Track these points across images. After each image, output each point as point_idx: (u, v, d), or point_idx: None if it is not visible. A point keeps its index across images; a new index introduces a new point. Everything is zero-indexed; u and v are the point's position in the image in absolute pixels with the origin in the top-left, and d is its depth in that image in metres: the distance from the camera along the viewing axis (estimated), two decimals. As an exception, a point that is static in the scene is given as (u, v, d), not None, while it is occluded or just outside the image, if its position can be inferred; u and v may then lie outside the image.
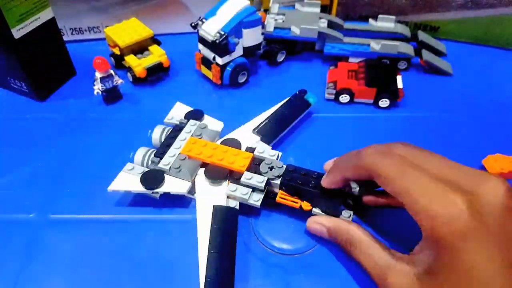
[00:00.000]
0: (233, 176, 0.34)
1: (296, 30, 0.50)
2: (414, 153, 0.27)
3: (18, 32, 0.42)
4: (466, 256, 0.22)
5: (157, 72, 0.49)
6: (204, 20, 0.46)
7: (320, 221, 0.31)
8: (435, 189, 0.24)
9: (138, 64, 0.47)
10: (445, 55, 0.53)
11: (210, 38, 0.44)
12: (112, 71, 0.44)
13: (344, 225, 0.30)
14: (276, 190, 0.34)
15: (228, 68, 0.46)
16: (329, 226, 0.31)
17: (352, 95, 0.46)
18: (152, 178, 0.34)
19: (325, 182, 0.32)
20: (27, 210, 0.35)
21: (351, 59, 0.51)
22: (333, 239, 0.31)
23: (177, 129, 0.38)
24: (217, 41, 0.43)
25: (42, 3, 0.44)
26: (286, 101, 0.43)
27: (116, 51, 0.50)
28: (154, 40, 0.51)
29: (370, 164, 0.27)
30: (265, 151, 0.36)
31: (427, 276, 0.24)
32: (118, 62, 0.51)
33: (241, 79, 0.48)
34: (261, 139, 0.38)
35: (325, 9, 0.58)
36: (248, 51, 0.47)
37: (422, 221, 0.24)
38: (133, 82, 0.49)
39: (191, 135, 0.38)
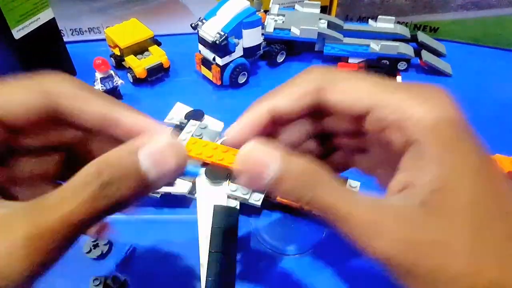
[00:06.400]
0: (234, 176, 0.34)
1: (296, 31, 0.50)
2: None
3: (18, 32, 0.42)
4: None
5: (157, 73, 0.49)
6: (204, 20, 0.46)
7: (272, 146, 0.17)
8: (407, 86, 0.19)
9: (139, 64, 0.47)
10: (445, 55, 0.53)
11: (210, 38, 0.44)
12: (112, 72, 0.45)
13: (302, 157, 0.17)
14: (277, 190, 0.34)
15: (228, 69, 0.46)
16: (284, 153, 0.17)
17: (352, 95, 0.46)
18: (153, 178, 0.34)
19: (233, 129, 0.21)
20: (27, 210, 0.35)
21: (351, 60, 0.51)
22: (284, 179, 0.17)
23: (177, 129, 0.38)
24: (217, 42, 0.43)
25: (42, 3, 0.44)
26: (286, 102, 0.43)
27: (116, 52, 0.50)
28: (154, 40, 0.51)
29: (318, 73, 0.20)
30: (266, 151, 0.36)
31: (435, 198, 0.16)
32: (118, 63, 0.51)
33: (241, 80, 0.49)
34: (261, 139, 0.39)
35: (325, 10, 0.58)
36: (248, 52, 0.48)
37: (412, 119, 0.17)
38: (133, 82, 0.49)
39: (192, 135, 0.38)
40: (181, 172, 0.17)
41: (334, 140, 0.22)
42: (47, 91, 0.18)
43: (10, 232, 0.15)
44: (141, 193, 0.16)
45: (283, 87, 0.21)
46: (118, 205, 0.16)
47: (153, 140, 0.16)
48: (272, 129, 0.21)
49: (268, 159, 0.17)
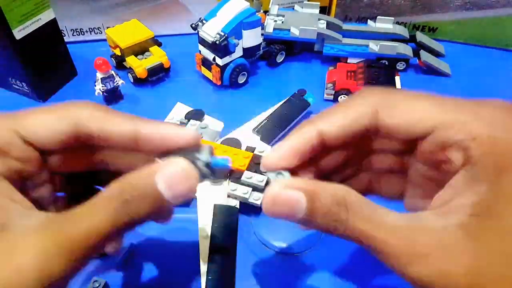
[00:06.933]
0: (234, 176, 0.35)
1: (295, 31, 0.50)
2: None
3: (19, 33, 0.42)
4: None
5: (157, 73, 0.49)
6: (204, 21, 0.46)
7: (295, 185, 0.18)
8: (469, 102, 0.19)
9: (139, 65, 0.48)
10: (443, 56, 0.54)
11: (210, 39, 0.44)
12: (113, 72, 0.45)
13: (330, 186, 0.18)
14: (276, 189, 0.35)
15: (228, 69, 0.47)
16: (312, 190, 0.18)
17: (351, 95, 0.46)
18: (153, 177, 0.34)
19: (276, 153, 0.20)
20: (29, 209, 0.36)
21: (350, 60, 0.51)
22: (317, 221, 0.18)
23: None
24: (217, 42, 0.43)
25: (43, 4, 0.44)
26: (286, 101, 0.43)
27: (117, 52, 0.50)
28: (155, 41, 0.51)
29: (373, 95, 0.20)
30: (265, 150, 0.36)
31: (477, 220, 0.16)
32: (119, 63, 0.51)
33: (241, 80, 0.49)
34: (261, 139, 0.39)
35: (324, 10, 0.58)
36: (248, 52, 0.48)
37: (476, 140, 0.17)
38: (134, 82, 0.49)
39: (192, 135, 0.38)
40: (193, 192, 0.19)
41: (368, 160, 0.23)
42: (75, 117, 0.20)
43: (36, 241, 0.16)
44: (159, 209, 0.18)
45: (338, 109, 0.20)
46: (139, 220, 0.18)
47: (168, 166, 0.18)
48: (316, 152, 0.20)
49: (295, 199, 0.18)
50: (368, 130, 0.20)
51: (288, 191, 0.18)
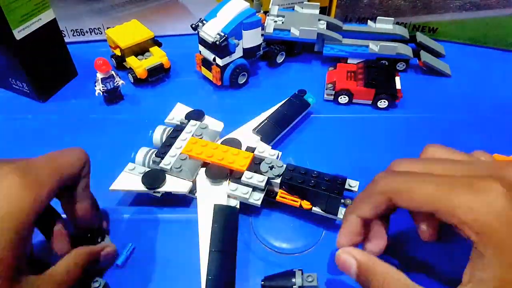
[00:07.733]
0: (234, 176, 0.35)
1: (295, 32, 0.50)
2: (416, 163, 0.27)
3: (19, 33, 0.42)
4: None
5: (158, 73, 0.49)
6: (204, 21, 0.46)
7: (350, 252, 0.26)
8: (463, 183, 0.22)
9: (139, 65, 0.48)
10: (443, 56, 0.54)
11: (210, 39, 0.44)
12: (113, 72, 0.45)
13: (381, 265, 0.24)
14: (276, 189, 0.35)
15: (228, 69, 0.47)
16: (361, 261, 0.25)
17: (351, 95, 0.46)
18: (154, 177, 0.34)
19: (341, 237, 0.27)
20: (29, 209, 0.35)
21: (350, 60, 0.51)
22: (362, 282, 0.25)
23: (177, 129, 0.38)
24: (217, 42, 0.43)
25: (43, 4, 0.44)
26: (286, 101, 0.43)
27: (117, 52, 0.50)
28: (155, 41, 0.51)
29: (385, 185, 0.25)
30: (265, 150, 0.36)
31: None
32: (119, 63, 0.51)
33: (241, 80, 0.49)
34: (261, 139, 0.39)
35: (324, 10, 0.58)
36: (248, 52, 0.48)
37: (467, 223, 0.21)
38: (134, 83, 0.50)
39: (192, 135, 0.38)
40: None
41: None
42: None
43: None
44: None
45: (363, 198, 0.27)
46: None
47: None
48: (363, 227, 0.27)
49: (348, 263, 0.25)
50: (389, 208, 0.25)
51: (343, 255, 0.26)
